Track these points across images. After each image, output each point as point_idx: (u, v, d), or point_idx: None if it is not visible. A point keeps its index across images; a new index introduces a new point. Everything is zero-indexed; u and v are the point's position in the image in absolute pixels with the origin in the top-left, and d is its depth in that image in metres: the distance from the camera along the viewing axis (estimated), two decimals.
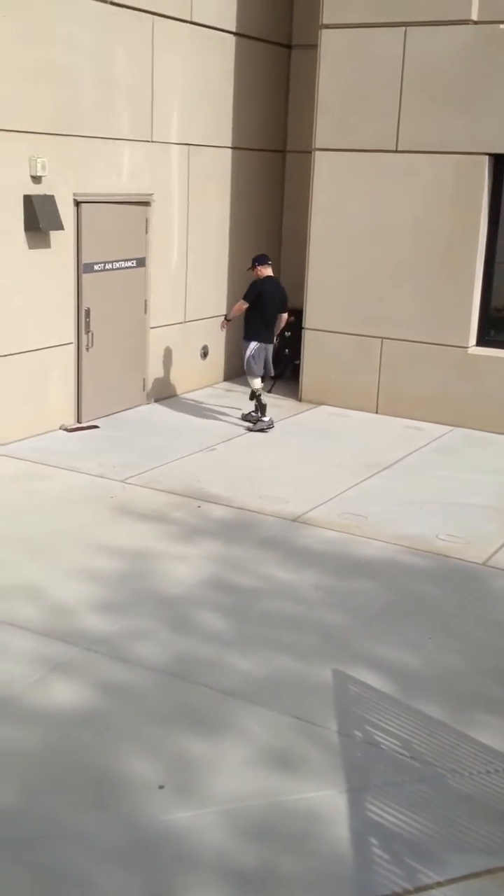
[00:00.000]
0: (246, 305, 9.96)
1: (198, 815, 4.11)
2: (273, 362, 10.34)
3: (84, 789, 4.26)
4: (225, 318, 10.43)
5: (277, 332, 10.28)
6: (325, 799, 4.26)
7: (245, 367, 10.13)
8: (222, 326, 10.49)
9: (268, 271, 10.04)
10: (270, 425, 10.02)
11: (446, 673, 5.37)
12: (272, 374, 10.32)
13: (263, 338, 10.02)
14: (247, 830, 4.04)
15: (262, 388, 10.15)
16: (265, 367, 10.10)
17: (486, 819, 4.18)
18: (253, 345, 10.00)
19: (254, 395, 10.11)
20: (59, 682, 5.06)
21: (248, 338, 10.04)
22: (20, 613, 5.77)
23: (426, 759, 4.58)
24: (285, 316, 10.20)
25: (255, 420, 10.10)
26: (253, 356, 10.01)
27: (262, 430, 9.96)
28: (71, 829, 4.01)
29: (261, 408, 10.08)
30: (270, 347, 10.14)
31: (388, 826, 4.10)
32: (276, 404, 10.73)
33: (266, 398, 10.22)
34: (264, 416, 10.06)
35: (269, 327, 10.06)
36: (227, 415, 10.46)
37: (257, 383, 10.07)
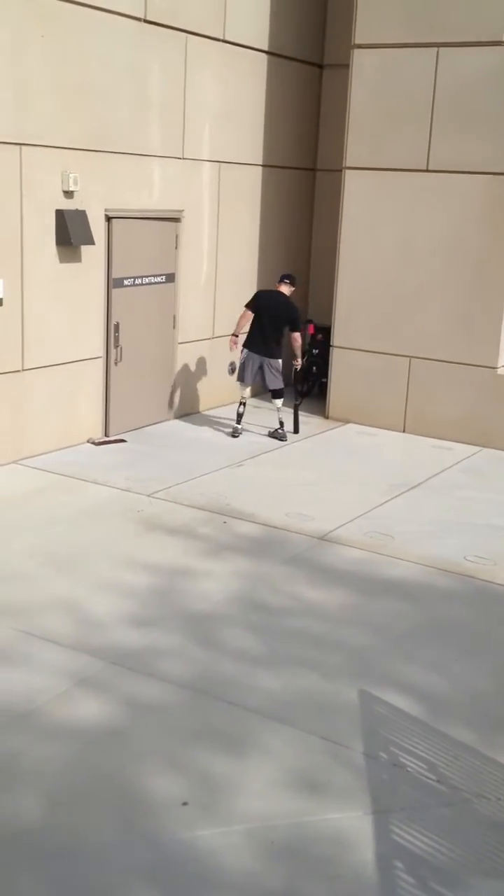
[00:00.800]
0: (250, 315, 10.06)
1: (222, 834, 4.08)
2: (302, 379, 10.25)
3: (107, 805, 4.24)
4: (233, 335, 10.29)
5: (298, 353, 10.30)
6: (350, 821, 4.21)
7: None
8: (232, 346, 10.30)
9: (280, 287, 10.16)
10: (235, 434, 10.28)
11: (473, 695, 5.31)
12: (266, 387, 10.33)
13: (254, 348, 10.11)
14: (271, 851, 4.00)
15: (243, 397, 10.34)
16: (254, 377, 10.19)
17: None
18: (244, 353, 10.17)
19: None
20: (84, 697, 5.05)
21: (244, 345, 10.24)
22: (47, 626, 5.78)
23: (452, 782, 4.52)
24: (297, 335, 10.13)
25: (280, 435, 10.23)
26: (242, 363, 10.21)
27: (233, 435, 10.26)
28: (93, 844, 3.99)
29: (237, 415, 10.34)
30: (267, 361, 10.11)
31: (414, 850, 4.05)
32: (303, 421, 10.72)
33: (244, 409, 10.34)
34: (238, 423, 10.34)
35: (263, 338, 10.06)
36: (254, 431, 10.45)
37: (242, 390, 10.35)
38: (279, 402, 10.31)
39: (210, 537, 7.37)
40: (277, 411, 10.34)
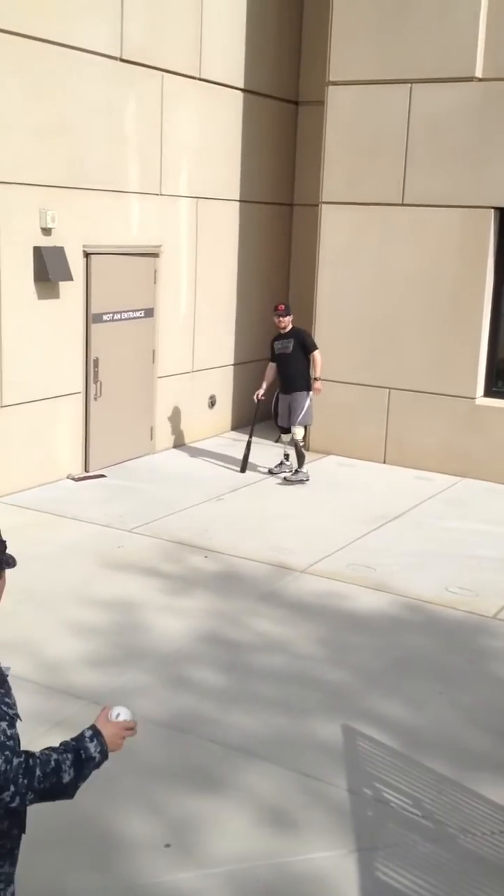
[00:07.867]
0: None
1: (201, 877, 4.00)
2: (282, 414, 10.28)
3: (84, 848, 4.16)
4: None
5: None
6: (334, 859, 4.15)
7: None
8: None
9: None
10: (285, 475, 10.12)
11: (455, 730, 5.26)
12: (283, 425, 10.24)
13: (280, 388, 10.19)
14: (253, 892, 3.93)
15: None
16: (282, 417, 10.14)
17: (500, 880, 4.06)
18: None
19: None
20: (62, 738, 4.95)
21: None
22: (20, 668, 5.69)
23: (437, 818, 4.47)
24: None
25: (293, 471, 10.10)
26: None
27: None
28: (70, 889, 3.90)
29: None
30: (284, 397, 10.12)
31: (399, 888, 3.99)
32: (283, 454, 10.68)
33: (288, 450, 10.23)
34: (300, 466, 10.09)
35: (283, 378, 10.11)
36: (235, 465, 10.42)
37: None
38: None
39: (190, 572, 7.31)
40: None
